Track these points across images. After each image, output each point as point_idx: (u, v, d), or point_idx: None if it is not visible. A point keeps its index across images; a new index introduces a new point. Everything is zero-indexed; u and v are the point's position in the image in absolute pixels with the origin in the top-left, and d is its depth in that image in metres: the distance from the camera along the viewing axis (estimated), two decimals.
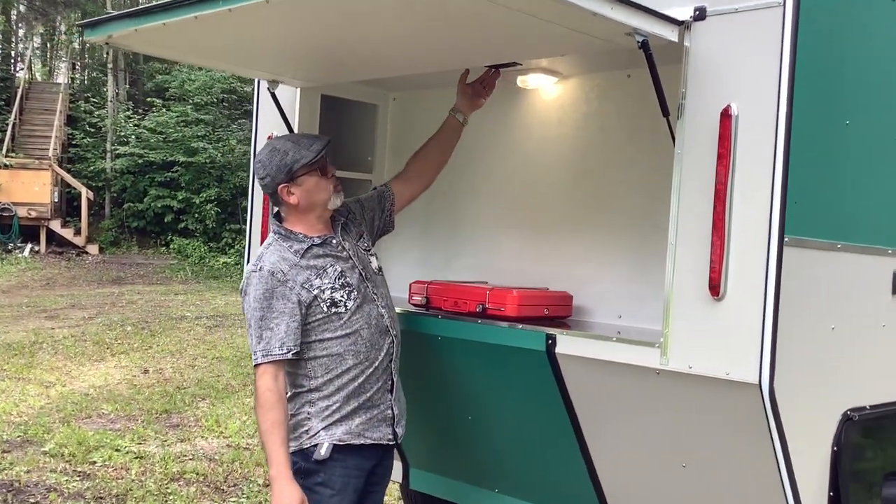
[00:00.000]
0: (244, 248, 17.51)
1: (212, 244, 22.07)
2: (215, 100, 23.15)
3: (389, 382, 3.18)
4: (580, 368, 3.04)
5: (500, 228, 3.96)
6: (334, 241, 3.15)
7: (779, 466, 2.68)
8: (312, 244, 3.09)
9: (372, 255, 3.28)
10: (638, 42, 2.68)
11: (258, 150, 4.17)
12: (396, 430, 3.18)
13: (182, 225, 22.46)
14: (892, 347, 3.09)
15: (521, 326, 3.21)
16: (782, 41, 2.55)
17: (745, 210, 2.60)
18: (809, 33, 2.58)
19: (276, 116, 3.99)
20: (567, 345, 3.05)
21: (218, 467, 6.51)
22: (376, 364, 3.11)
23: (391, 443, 3.17)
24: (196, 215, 22.21)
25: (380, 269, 3.27)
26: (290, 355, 2.97)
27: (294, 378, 3.07)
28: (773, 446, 2.66)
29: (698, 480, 2.94)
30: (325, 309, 3.02)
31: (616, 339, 2.94)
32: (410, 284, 3.69)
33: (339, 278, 3.07)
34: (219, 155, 22.19)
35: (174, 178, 22.59)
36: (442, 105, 4.19)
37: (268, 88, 3.83)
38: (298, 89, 3.98)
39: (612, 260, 3.57)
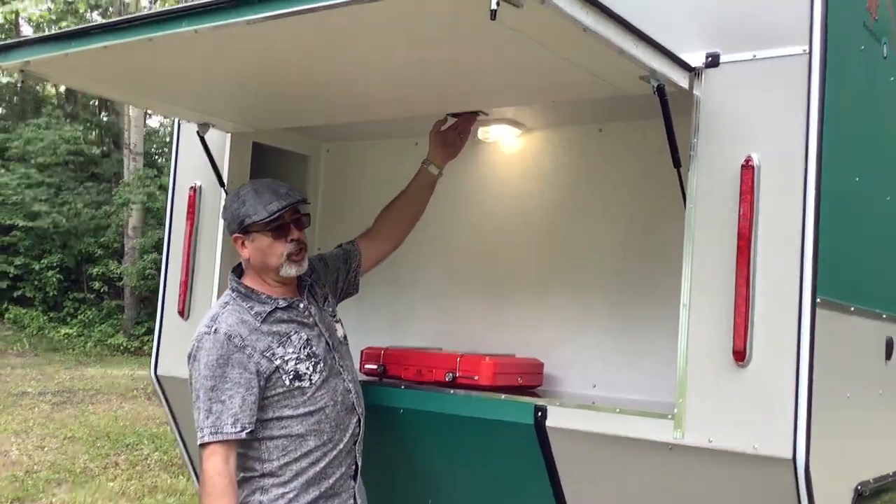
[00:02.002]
0: (87, 318, 16.20)
1: (52, 314, 20.50)
2: (61, 161, 21.82)
3: (353, 467, 2.79)
4: (573, 444, 2.74)
5: (452, 290, 3.65)
6: (301, 306, 2.77)
7: None
8: (276, 307, 2.71)
9: (337, 321, 2.91)
10: (653, 87, 2.48)
11: (172, 198, 3.75)
12: None
13: (19, 293, 20.79)
14: (887, 415, 2.96)
15: (503, 397, 2.88)
16: (809, 90, 2.41)
17: (773, 268, 2.41)
18: (833, 83, 2.45)
19: (198, 163, 3.57)
20: (559, 417, 2.75)
21: None
22: (340, 446, 2.72)
23: None
24: (35, 283, 20.64)
25: (345, 337, 2.90)
26: (243, 434, 2.54)
27: (244, 460, 2.63)
28: None
29: None
30: (288, 382, 2.62)
31: (619, 410, 2.66)
32: (362, 351, 3.31)
33: (304, 347, 2.68)
34: (63, 220, 20.82)
35: (12, 242, 20.96)
36: (376, 157, 3.90)
37: (197, 132, 3.41)
38: (229, 135, 3.58)
39: (583, 324, 3.32)
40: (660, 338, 3.10)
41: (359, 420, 2.79)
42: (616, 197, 3.29)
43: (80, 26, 2.59)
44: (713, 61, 2.57)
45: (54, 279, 20.53)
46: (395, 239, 3.17)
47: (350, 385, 2.78)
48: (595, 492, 2.78)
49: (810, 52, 2.41)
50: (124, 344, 18.53)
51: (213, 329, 2.60)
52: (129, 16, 2.52)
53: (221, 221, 2.84)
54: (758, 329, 2.41)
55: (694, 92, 2.59)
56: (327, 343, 2.76)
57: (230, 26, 2.22)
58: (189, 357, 2.63)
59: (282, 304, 2.71)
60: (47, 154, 21.74)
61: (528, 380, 3.12)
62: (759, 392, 2.40)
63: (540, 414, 2.77)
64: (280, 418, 2.62)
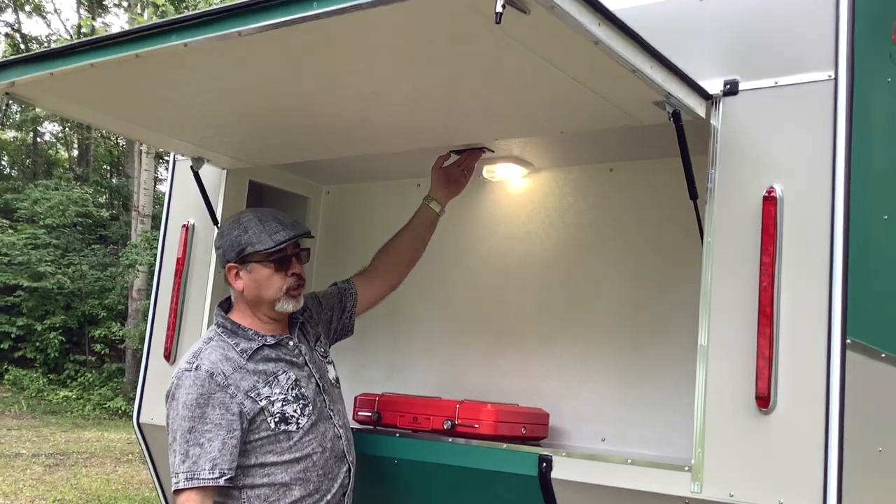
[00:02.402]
0: (87, 381, 15.95)
1: (52, 376, 20.26)
2: (69, 222, 21.86)
3: None
4: (581, 498, 2.52)
5: (453, 338, 3.46)
6: (290, 344, 2.58)
7: None
8: (264, 344, 2.52)
9: (329, 362, 2.72)
10: (669, 113, 2.34)
11: (164, 236, 3.60)
12: None
13: (20, 353, 20.59)
14: None
15: (505, 446, 2.67)
16: (835, 117, 2.26)
17: (799, 305, 2.23)
18: (859, 111, 2.31)
19: (192, 201, 3.43)
20: (566, 469, 2.53)
21: None
22: (328, 497, 2.51)
23: None
24: (37, 344, 20.45)
25: (337, 380, 2.72)
26: (221, 481, 2.33)
27: None
28: None
29: None
30: (273, 425, 2.42)
31: (631, 461, 2.44)
32: (356, 398, 3.11)
33: (292, 388, 2.49)
34: (68, 281, 20.75)
35: (16, 303, 20.86)
36: (377, 199, 3.76)
37: (191, 167, 3.28)
38: (224, 171, 3.44)
39: (592, 374, 3.12)
40: (673, 388, 2.90)
41: (349, 469, 2.59)
42: (626, 240, 3.12)
43: (66, 44, 2.47)
44: (732, 89, 2.43)
45: (56, 341, 20.36)
46: (394, 279, 3.00)
47: (340, 431, 2.58)
48: None
49: (836, 78, 2.27)
50: (123, 407, 18.21)
51: (194, 366, 2.41)
52: (117, 31, 2.40)
53: (213, 255, 2.66)
54: (782, 372, 2.22)
55: (711, 122, 2.44)
56: (318, 384, 2.57)
57: (222, 40, 2.10)
58: (167, 396, 2.44)
59: (270, 340, 2.53)
60: (56, 215, 21.81)
61: (532, 430, 2.91)
62: (784, 441, 2.20)
63: (545, 465, 2.55)
64: (263, 465, 2.41)
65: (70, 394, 19.12)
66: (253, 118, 2.82)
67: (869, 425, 2.36)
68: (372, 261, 2.99)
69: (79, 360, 20.15)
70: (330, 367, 2.69)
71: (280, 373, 2.49)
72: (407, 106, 2.59)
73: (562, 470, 2.54)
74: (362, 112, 2.65)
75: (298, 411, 2.46)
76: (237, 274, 2.53)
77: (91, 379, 19.51)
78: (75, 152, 25.01)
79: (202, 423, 2.34)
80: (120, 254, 20.26)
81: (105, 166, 24.32)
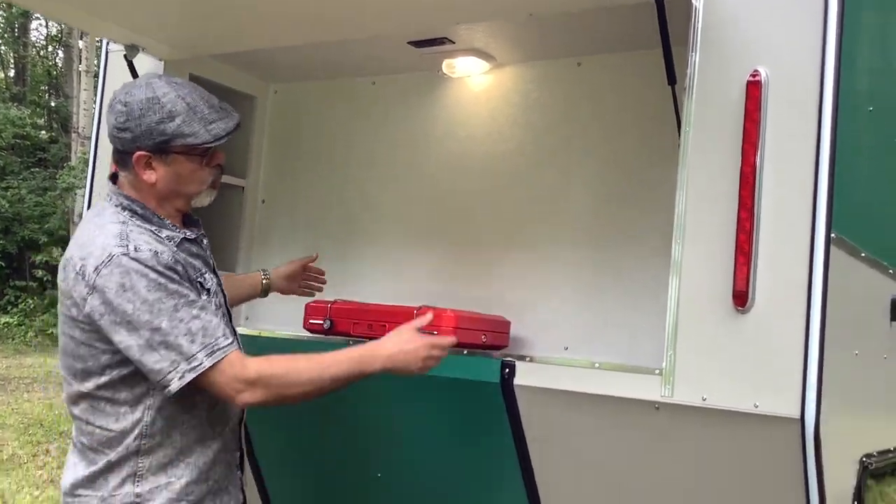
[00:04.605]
0: (28, 307, 15.50)
1: None
2: (6, 144, 21.08)
3: (237, 455, 2.26)
4: (544, 404, 2.39)
5: (409, 244, 3.28)
6: (205, 242, 2.23)
7: None
8: (185, 237, 2.14)
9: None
10: None
11: (96, 137, 3.33)
12: None
13: None
14: (891, 383, 2.66)
15: (465, 352, 2.52)
16: None
17: (782, 197, 2.08)
18: None
19: None
20: (529, 375, 2.39)
21: None
22: (230, 425, 2.20)
23: None
24: None
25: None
26: (235, 345, 1.99)
27: (110, 437, 2.05)
28: (808, 499, 2.10)
29: None
30: None
31: (599, 365, 2.31)
32: (306, 305, 2.92)
33: (216, 294, 2.16)
34: (6, 205, 20.11)
35: None
36: (328, 100, 3.53)
37: (125, 56, 3.01)
38: (162, 63, 3.17)
39: (555, 281, 2.96)
40: (641, 292, 2.77)
41: None
42: (594, 139, 2.95)
43: None
44: None
45: None
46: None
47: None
48: (567, 461, 2.43)
49: None
50: None
51: (130, 247, 1.96)
52: None
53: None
54: (762, 268, 2.08)
55: (692, 1, 2.25)
56: (224, 294, 2.25)
57: None
58: (92, 289, 1.95)
59: (189, 234, 2.16)
60: None
61: (493, 339, 2.76)
62: (762, 341, 2.07)
63: (507, 371, 2.41)
64: None
65: (11, 320, 18.68)
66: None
67: (847, 328, 2.25)
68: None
69: (19, 285, 19.65)
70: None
71: (204, 271, 2.14)
72: None
73: (525, 376, 2.40)
74: None
75: (224, 324, 2.08)
76: (149, 164, 2.07)
77: (33, 305, 19.05)
78: (11, 72, 24.01)
79: (183, 296, 1.95)
80: (57, 176, 19.62)
81: (43, 86, 23.40)
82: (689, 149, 2.20)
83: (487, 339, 2.73)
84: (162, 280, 1.94)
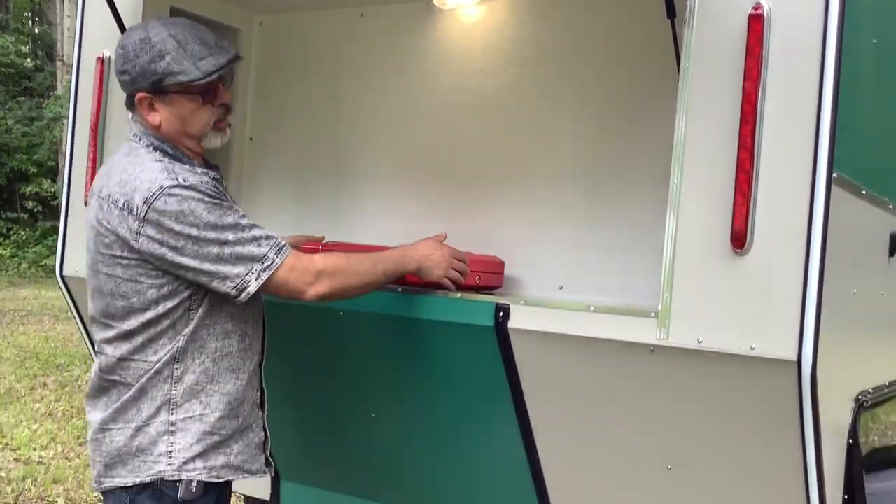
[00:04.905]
0: (21, 239, 15.46)
1: None
2: None
3: (259, 395, 2.35)
4: (539, 348, 2.37)
5: (401, 182, 3.22)
6: (224, 185, 2.33)
7: (806, 466, 2.12)
8: (214, 177, 2.23)
9: None
10: None
11: (77, 72, 3.23)
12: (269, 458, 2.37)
13: None
14: (888, 319, 2.64)
15: (459, 295, 2.49)
16: None
17: (783, 136, 2.02)
18: None
19: (106, 30, 3.06)
20: (524, 318, 2.36)
21: (6, 486, 5.33)
22: (254, 362, 2.30)
23: (265, 475, 2.34)
24: None
25: None
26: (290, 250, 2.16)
27: (153, 367, 2.12)
28: (804, 442, 2.09)
29: (685, 485, 2.34)
30: None
31: (594, 308, 2.28)
32: (298, 246, 2.87)
33: None
34: None
35: None
36: (316, 32, 3.43)
37: None
38: None
39: (549, 220, 2.91)
40: (636, 233, 2.73)
41: (264, 341, 2.39)
42: (591, 73, 2.86)
43: None
44: None
45: None
46: None
47: (262, 300, 2.34)
48: (562, 404, 2.42)
49: None
50: None
51: (179, 178, 2.06)
52: None
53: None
54: (761, 209, 2.03)
55: None
56: None
57: None
58: (145, 218, 2.03)
59: (215, 174, 2.24)
60: None
61: (486, 279, 2.73)
62: (759, 284, 2.03)
63: (501, 314, 2.38)
64: (214, 319, 2.17)
65: (4, 252, 18.67)
66: None
67: (846, 268, 2.21)
68: None
69: (10, 217, 19.58)
70: None
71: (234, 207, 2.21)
72: None
73: (519, 319, 2.37)
74: None
75: None
76: (151, 105, 2.18)
77: (25, 237, 19.01)
78: None
79: (238, 213, 2.11)
80: (44, 106, 19.33)
81: (26, 13, 22.89)
82: (688, 85, 2.12)
83: (482, 280, 2.70)
84: (216, 201, 2.07)
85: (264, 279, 2.08)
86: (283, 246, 2.13)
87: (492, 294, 2.75)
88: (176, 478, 2.10)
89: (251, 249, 2.07)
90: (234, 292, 2.08)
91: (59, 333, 10.91)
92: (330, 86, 3.39)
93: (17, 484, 5.37)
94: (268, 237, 2.11)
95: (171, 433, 2.11)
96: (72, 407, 7.29)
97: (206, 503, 2.14)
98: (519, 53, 3.00)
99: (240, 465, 2.21)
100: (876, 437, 2.70)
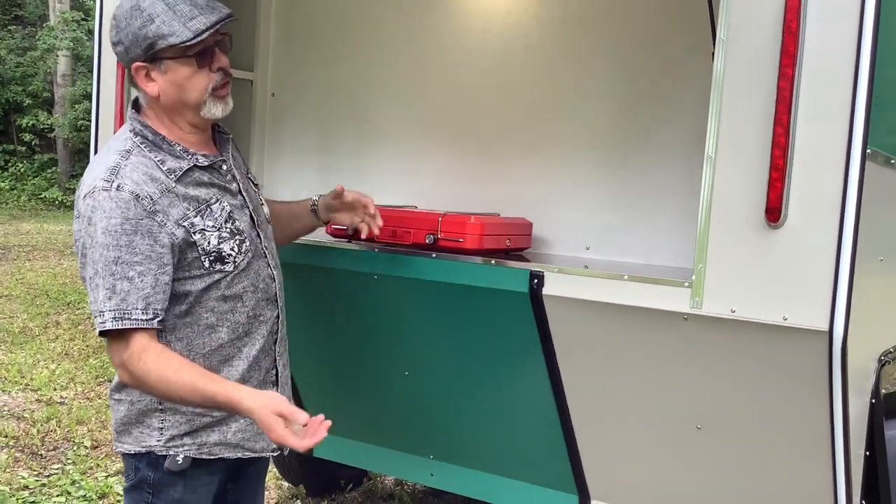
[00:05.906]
0: (19, 171, 15.23)
1: None
2: None
3: (273, 373, 2.28)
4: (573, 315, 2.44)
5: (426, 143, 3.24)
6: (224, 167, 2.21)
7: (833, 430, 2.21)
8: (196, 165, 2.13)
9: (260, 194, 2.38)
10: None
11: (100, 34, 3.20)
12: None
13: None
14: None
15: (494, 261, 2.55)
16: None
17: (819, 112, 2.06)
18: None
19: None
20: (558, 285, 2.43)
21: (31, 427, 5.45)
22: (259, 344, 2.22)
23: (275, 454, 2.31)
24: None
25: (268, 217, 2.38)
26: (154, 323, 2.01)
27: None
28: (832, 407, 2.18)
29: (714, 443, 2.44)
30: (207, 265, 2.09)
31: (628, 276, 2.34)
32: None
33: (227, 221, 2.14)
34: None
35: None
36: None
37: None
38: None
39: (577, 180, 2.96)
40: (662, 195, 2.78)
41: (279, 316, 2.28)
42: (620, 34, 2.87)
43: None
44: None
45: None
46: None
47: (274, 272, 2.27)
48: (595, 368, 2.50)
49: None
50: (59, 198, 17.82)
51: (113, 185, 2.00)
52: None
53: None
54: (796, 183, 2.08)
55: None
56: (252, 217, 2.23)
57: None
58: (79, 215, 2.05)
59: (202, 161, 2.14)
60: None
61: (516, 242, 2.79)
62: (793, 256, 2.09)
63: (536, 281, 2.45)
64: (188, 304, 2.11)
65: (3, 184, 18.61)
66: None
67: (876, 238, 2.27)
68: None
69: (8, 149, 19.45)
70: (262, 199, 2.37)
71: (213, 201, 2.13)
72: None
73: (553, 286, 2.43)
74: None
75: (235, 248, 2.13)
76: (148, 75, 2.09)
77: (23, 169, 18.93)
78: None
79: (130, 253, 1.98)
80: (37, 37, 19.02)
81: None
82: (722, 61, 2.15)
83: (511, 244, 2.76)
84: (120, 228, 1.98)
85: (98, 330, 2.02)
86: (130, 319, 1.98)
87: (521, 255, 2.81)
88: (163, 452, 2.13)
89: (100, 295, 2.00)
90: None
91: (66, 269, 10.97)
92: (352, 43, 3.38)
93: (41, 425, 5.49)
94: (125, 299, 1.98)
95: (162, 411, 2.14)
96: (87, 346, 7.39)
97: (197, 476, 2.17)
98: (546, 13, 2.99)
99: (238, 443, 2.20)
100: (889, 386, 2.80)
